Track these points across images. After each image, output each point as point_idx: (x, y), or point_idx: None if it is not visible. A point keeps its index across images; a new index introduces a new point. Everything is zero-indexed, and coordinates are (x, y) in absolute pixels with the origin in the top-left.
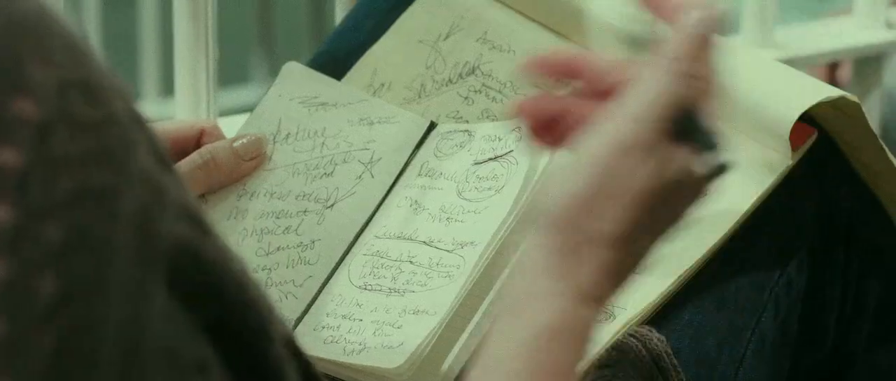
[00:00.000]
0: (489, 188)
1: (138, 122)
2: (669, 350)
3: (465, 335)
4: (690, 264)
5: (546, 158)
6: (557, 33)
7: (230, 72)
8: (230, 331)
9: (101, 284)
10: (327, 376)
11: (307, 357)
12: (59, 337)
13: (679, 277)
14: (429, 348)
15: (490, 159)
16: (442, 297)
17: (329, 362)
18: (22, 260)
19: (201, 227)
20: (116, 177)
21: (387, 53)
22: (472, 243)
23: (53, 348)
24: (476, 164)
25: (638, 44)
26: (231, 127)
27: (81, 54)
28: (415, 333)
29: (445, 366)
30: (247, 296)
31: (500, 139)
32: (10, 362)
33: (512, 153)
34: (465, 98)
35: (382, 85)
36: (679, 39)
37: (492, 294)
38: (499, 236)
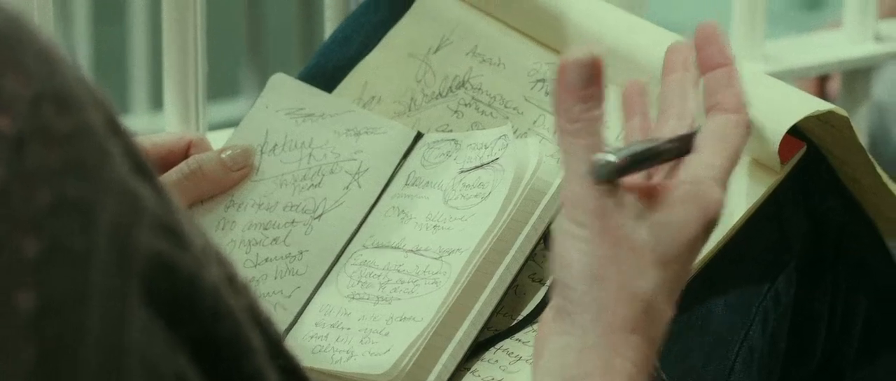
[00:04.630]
0: (476, 196)
1: (114, 131)
2: (657, 363)
3: (453, 343)
4: None
5: (533, 165)
6: (548, 47)
7: (219, 86)
8: (207, 345)
9: (79, 297)
10: None
11: (297, 364)
12: (39, 351)
13: None
14: (416, 353)
15: (476, 167)
16: (429, 303)
17: (317, 371)
18: (0, 275)
19: (179, 240)
20: (91, 188)
21: (377, 67)
22: (458, 249)
23: (34, 361)
24: (462, 172)
25: None
26: (221, 141)
27: (54, 63)
28: (402, 339)
29: (433, 374)
30: (222, 309)
31: (486, 147)
32: None
33: (498, 161)
34: (455, 111)
35: (372, 98)
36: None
37: (480, 302)
38: (485, 243)
